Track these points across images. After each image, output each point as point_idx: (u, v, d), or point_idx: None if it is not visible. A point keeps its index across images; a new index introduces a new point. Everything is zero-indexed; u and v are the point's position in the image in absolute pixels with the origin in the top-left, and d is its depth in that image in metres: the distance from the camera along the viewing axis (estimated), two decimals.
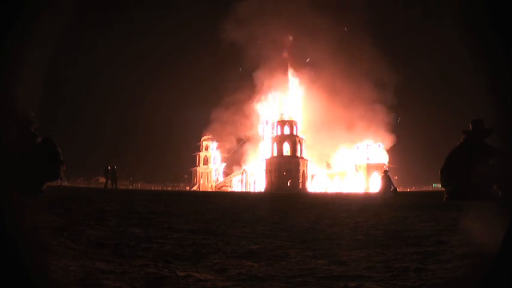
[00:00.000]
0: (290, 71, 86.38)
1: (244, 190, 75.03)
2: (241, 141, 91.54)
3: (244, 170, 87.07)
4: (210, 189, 76.52)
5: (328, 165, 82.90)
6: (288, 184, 70.25)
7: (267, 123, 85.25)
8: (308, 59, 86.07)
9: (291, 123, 75.84)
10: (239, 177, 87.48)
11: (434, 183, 64.20)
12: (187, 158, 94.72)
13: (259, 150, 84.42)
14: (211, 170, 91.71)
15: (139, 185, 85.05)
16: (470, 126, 7.04)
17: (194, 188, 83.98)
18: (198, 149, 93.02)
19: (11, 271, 1.21)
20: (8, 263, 1.24)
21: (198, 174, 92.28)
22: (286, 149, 74.55)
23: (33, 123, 6.12)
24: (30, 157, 5.51)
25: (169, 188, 79.71)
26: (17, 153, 5.15)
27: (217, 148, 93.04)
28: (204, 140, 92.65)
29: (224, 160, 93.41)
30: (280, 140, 74.89)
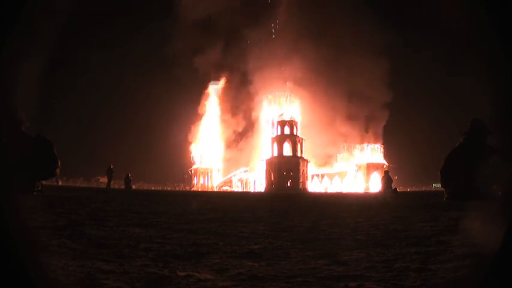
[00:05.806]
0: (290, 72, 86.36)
1: (244, 190, 75.05)
2: (241, 141, 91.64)
3: (244, 169, 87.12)
4: (210, 189, 76.53)
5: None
6: (288, 184, 70.24)
7: (267, 123, 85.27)
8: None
9: (291, 123, 75.80)
10: (239, 177, 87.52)
11: (434, 183, 64.14)
12: (187, 157, 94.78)
13: (260, 150, 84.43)
14: (211, 169, 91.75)
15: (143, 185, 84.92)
16: (470, 126, 7.03)
17: (194, 188, 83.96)
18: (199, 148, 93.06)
19: (11, 271, 1.21)
20: (8, 263, 1.24)
21: (198, 174, 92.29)
22: (286, 149, 74.52)
23: (24, 123, 6.12)
24: (22, 156, 5.51)
25: (169, 188, 79.69)
26: (9, 153, 5.16)
27: (217, 148, 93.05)
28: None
29: (224, 160, 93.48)
30: (280, 140, 74.86)
